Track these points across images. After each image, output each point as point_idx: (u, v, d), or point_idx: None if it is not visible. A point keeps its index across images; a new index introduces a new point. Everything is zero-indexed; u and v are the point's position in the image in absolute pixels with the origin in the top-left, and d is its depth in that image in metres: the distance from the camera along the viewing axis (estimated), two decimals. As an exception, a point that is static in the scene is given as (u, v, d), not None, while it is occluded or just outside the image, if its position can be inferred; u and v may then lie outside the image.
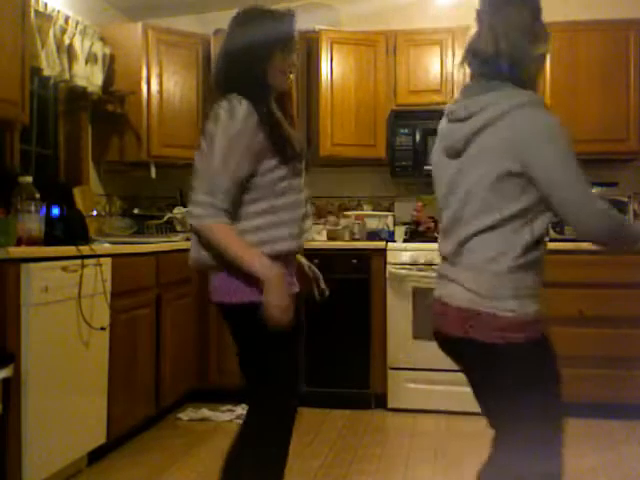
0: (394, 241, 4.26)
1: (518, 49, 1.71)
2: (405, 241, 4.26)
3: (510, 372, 1.68)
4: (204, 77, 4.45)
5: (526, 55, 1.73)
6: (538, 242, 1.72)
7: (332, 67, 4.39)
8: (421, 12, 4.62)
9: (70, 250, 2.83)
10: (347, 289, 4.03)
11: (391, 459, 3.27)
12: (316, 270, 2.22)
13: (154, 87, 4.24)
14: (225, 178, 1.87)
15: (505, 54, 1.69)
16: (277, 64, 1.97)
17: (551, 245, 4.15)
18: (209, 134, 1.94)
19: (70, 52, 3.80)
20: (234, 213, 1.87)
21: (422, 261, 3.98)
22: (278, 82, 1.99)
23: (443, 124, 1.79)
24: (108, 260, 3.12)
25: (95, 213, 4.08)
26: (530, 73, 1.77)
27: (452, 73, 4.31)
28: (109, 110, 4.19)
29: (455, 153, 1.71)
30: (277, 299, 1.81)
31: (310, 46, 4.48)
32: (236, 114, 1.86)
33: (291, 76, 2.05)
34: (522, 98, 1.65)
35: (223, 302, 1.94)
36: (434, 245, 4.09)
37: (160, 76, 4.27)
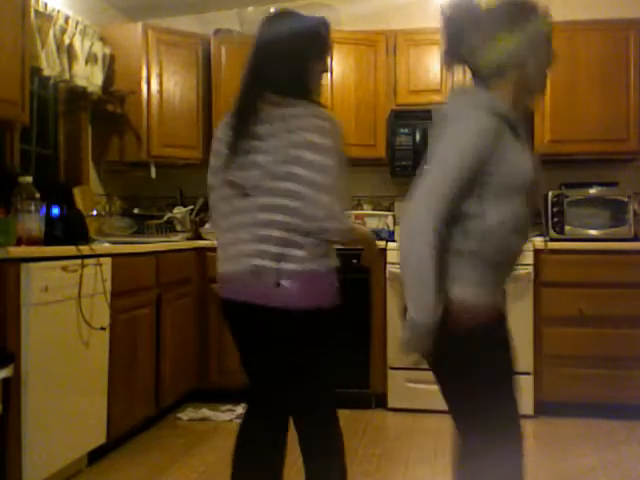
0: (394, 241, 4.26)
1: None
2: (405, 241, 4.25)
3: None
4: (204, 77, 4.45)
5: None
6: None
7: (332, 67, 4.39)
8: (421, 12, 4.62)
9: (70, 250, 2.83)
10: (347, 289, 4.02)
11: (391, 459, 3.27)
12: None
13: (154, 87, 4.24)
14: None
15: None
16: (318, 69, 2.01)
17: (551, 245, 4.18)
18: (326, 148, 1.89)
19: (70, 52, 3.80)
20: None
21: (422, 261, 3.98)
22: (316, 87, 2.02)
23: None
24: (108, 260, 3.12)
25: (95, 213, 4.08)
26: None
27: (452, 73, 4.30)
28: (109, 110, 4.19)
29: None
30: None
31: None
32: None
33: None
34: None
35: (296, 307, 1.92)
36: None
37: (160, 76, 4.27)
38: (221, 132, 2.05)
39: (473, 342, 1.65)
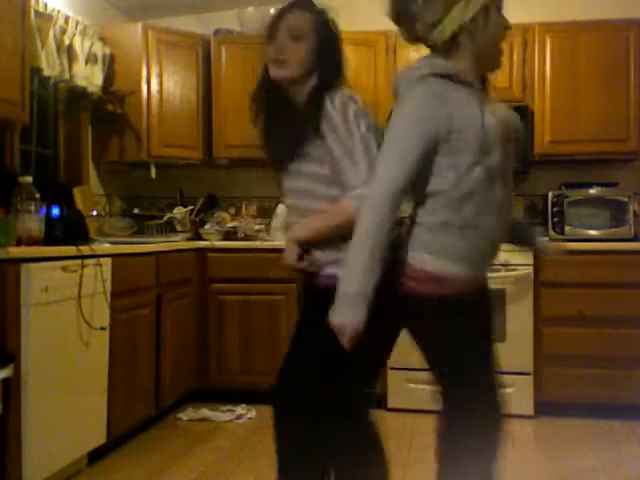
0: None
1: None
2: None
3: None
4: (204, 77, 4.45)
5: None
6: None
7: (332, 67, 4.38)
8: (421, 12, 4.62)
9: (70, 250, 2.82)
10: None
11: (391, 459, 3.27)
12: None
13: (154, 87, 4.24)
14: None
15: None
16: None
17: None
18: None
19: (70, 52, 3.80)
20: None
21: (422, 261, 3.98)
22: None
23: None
24: (108, 260, 3.12)
25: (95, 213, 4.08)
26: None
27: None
28: (109, 110, 4.19)
29: None
30: None
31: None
32: None
33: None
34: None
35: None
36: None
37: (160, 76, 4.27)
38: None
39: (427, 310, 1.73)
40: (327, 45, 1.96)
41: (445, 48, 1.73)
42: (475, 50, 1.73)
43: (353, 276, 1.65)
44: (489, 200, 1.71)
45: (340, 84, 1.94)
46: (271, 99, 2.01)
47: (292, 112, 1.97)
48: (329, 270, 1.90)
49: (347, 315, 1.65)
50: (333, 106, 1.85)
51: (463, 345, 1.76)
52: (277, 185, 2.09)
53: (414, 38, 1.79)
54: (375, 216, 1.65)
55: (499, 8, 1.75)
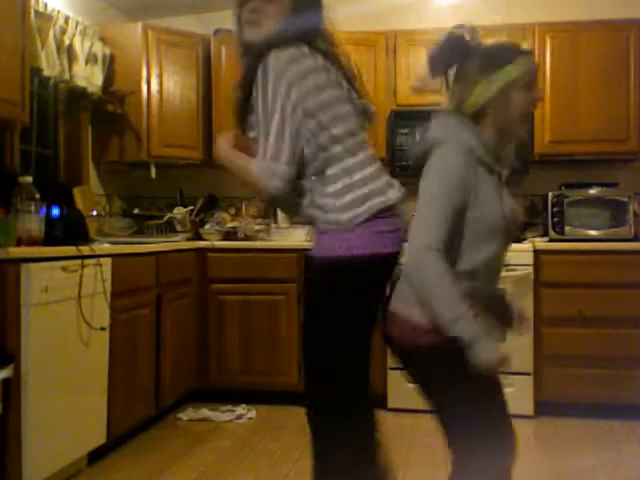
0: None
1: None
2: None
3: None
4: (204, 77, 4.45)
5: None
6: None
7: (332, 67, 4.38)
8: (421, 12, 4.62)
9: (70, 250, 2.83)
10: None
11: (391, 459, 3.27)
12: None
13: (154, 87, 4.24)
14: None
15: None
16: None
17: (551, 245, 4.18)
18: None
19: (70, 52, 3.80)
20: None
21: (422, 261, 3.98)
22: None
23: None
24: (108, 260, 3.12)
25: (95, 213, 4.08)
26: None
27: (452, 73, 4.30)
28: (109, 110, 4.19)
29: None
30: None
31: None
32: None
33: None
34: None
35: None
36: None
37: (160, 76, 4.27)
38: None
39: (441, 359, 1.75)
40: (300, 7, 1.91)
41: (473, 116, 1.78)
42: (498, 123, 1.77)
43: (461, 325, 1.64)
44: (492, 268, 1.79)
45: (305, 40, 1.86)
46: (243, 60, 1.97)
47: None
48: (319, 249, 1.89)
49: (488, 353, 1.68)
50: (274, 65, 1.78)
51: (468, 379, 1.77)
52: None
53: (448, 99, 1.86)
54: (435, 277, 1.65)
55: (529, 84, 1.76)
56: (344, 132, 1.86)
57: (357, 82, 1.98)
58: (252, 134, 1.90)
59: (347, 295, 1.88)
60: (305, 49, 1.83)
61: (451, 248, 1.69)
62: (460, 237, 1.71)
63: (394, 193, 1.90)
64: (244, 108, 1.90)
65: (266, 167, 1.79)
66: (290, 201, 1.90)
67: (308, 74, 1.81)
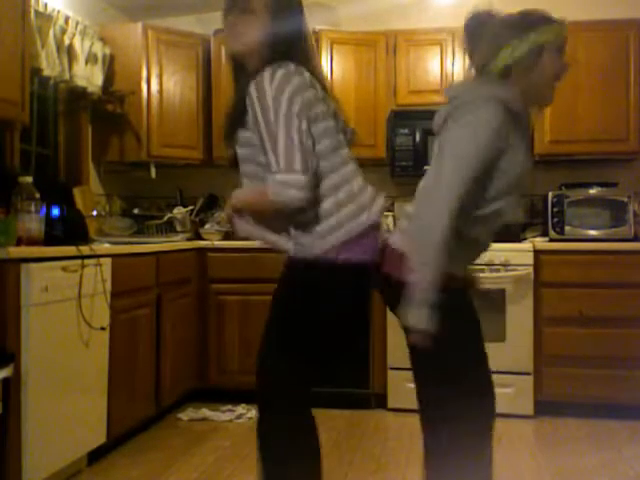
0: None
1: None
2: (405, 241, 4.27)
3: None
4: (204, 77, 4.45)
5: None
6: None
7: (332, 67, 4.39)
8: (421, 12, 4.62)
9: (70, 250, 2.83)
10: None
11: (391, 459, 3.27)
12: None
13: (154, 87, 4.24)
14: None
15: None
16: None
17: (551, 245, 4.18)
18: None
19: (70, 52, 3.80)
20: None
21: (422, 261, 3.98)
22: None
23: None
24: (108, 260, 3.12)
25: (95, 213, 4.08)
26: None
27: (452, 73, 4.31)
28: (109, 110, 4.19)
29: None
30: None
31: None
32: None
33: None
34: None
35: None
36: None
37: (160, 76, 4.27)
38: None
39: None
40: (279, 18, 1.91)
41: (499, 76, 1.80)
42: (525, 85, 1.80)
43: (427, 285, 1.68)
44: (493, 225, 1.84)
45: (291, 57, 1.87)
46: (234, 75, 2.01)
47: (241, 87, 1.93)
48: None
49: (424, 316, 1.69)
50: (270, 82, 1.79)
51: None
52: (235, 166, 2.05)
53: (472, 65, 1.87)
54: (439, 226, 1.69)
55: (560, 49, 1.81)
56: (330, 147, 1.89)
57: (334, 99, 2.01)
58: (242, 150, 1.92)
59: (320, 296, 1.90)
60: (293, 66, 1.85)
61: (470, 198, 1.72)
62: (483, 187, 1.75)
63: (376, 210, 1.93)
64: (234, 125, 1.91)
65: (281, 179, 1.77)
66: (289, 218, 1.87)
67: (303, 89, 1.83)
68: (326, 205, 1.85)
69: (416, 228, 1.74)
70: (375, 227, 1.92)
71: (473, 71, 1.87)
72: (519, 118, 1.77)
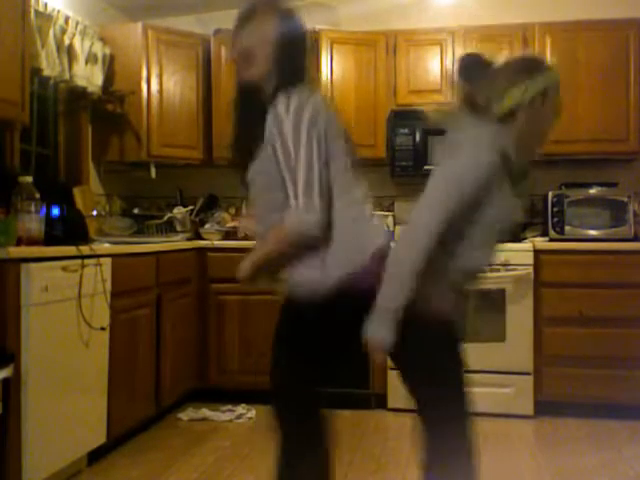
0: (394, 241, 4.26)
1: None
2: (405, 241, 4.27)
3: None
4: (204, 77, 4.45)
5: None
6: None
7: (332, 67, 4.39)
8: (421, 12, 4.62)
9: (70, 250, 2.83)
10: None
11: (391, 459, 3.28)
12: None
13: (154, 87, 4.24)
14: None
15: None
16: None
17: (551, 245, 4.18)
18: None
19: (70, 52, 3.80)
20: None
21: (422, 261, 3.98)
22: None
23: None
24: (108, 260, 3.12)
25: (95, 213, 4.08)
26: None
27: (452, 73, 4.31)
28: (109, 110, 4.19)
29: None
30: None
31: (310, 46, 4.48)
32: None
33: None
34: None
35: None
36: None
37: (160, 76, 4.27)
38: None
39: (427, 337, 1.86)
40: (286, 47, 1.93)
41: (503, 118, 1.82)
42: (524, 129, 1.82)
43: (393, 294, 1.76)
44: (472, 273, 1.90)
45: (301, 83, 1.88)
46: (243, 99, 2.00)
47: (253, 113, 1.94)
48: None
49: (382, 330, 1.77)
50: (287, 109, 1.79)
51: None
52: (245, 189, 2.05)
53: (470, 103, 1.88)
54: (416, 248, 1.77)
55: (557, 96, 1.84)
56: (341, 169, 1.90)
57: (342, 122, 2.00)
58: (258, 178, 1.90)
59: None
60: (307, 90, 1.86)
61: (448, 243, 1.76)
62: (461, 235, 1.78)
63: (379, 240, 1.96)
64: (247, 155, 1.91)
65: (299, 218, 1.78)
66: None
67: (319, 113, 1.82)
68: (335, 231, 1.86)
69: (390, 259, 1.82)
70: (382, 250, 1.93)
71: (463, 106, 1.89)
72: (510, 165, 1.80)
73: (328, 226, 1.84)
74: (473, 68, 1.89)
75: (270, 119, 1.81)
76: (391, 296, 1.75)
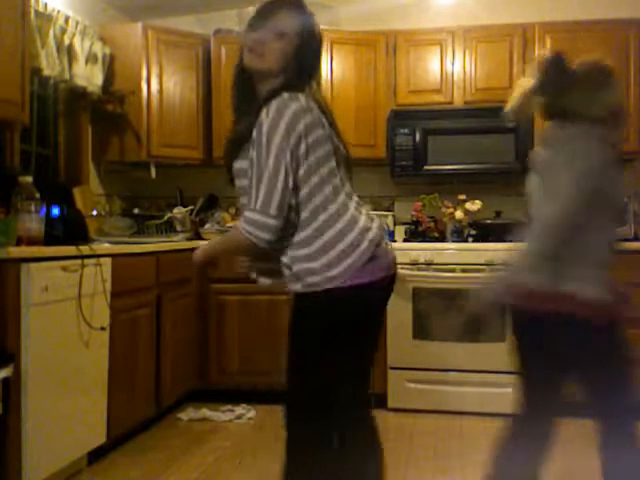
0: (394, 241, 4.26)
1: None
2: (405, 241, 4.27)
3: None
4: (204, 77, 4.45)
5: None
6: None
7: (332, 67, 4.39)
8: (421, 12, 4.62)
9: (70, 250, 2.83)
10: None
11: (391, 459, 3.27)
12: None
13: (154, 87, 4.24)
14: None
15: None
16: None
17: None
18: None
19: (70, 52, 3.80)
20: None
21: (422, 261, 3.98)
22: None
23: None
24: (108, 260, 3.12)
25: (95, 213, 4.08)
26: None
27: (452, 73, 4.31)
28: (109, 110, 4.19)
29: None
30: None
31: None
32: None
33: None
34: None
35: None
36: (434, 245, 4.11)
37: (160, 76, 4.27)
38: None
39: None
40: (305, 49, 1.93)
41: (598, 122, 2.03)
42: (612, 126, 2.13)
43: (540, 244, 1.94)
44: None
45: (298, 88, 1.88)
46: (241, 90, 2.01)
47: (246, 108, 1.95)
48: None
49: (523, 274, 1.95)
50: (267, 112, 1.80)
51: None
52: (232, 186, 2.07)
53: (552, 110, 2.10)
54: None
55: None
56: (325, 175, 1.89)
57: (334, 122, 1.99)
58: (241, 182, 1.95)
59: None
60: (302, 97, 1.85)
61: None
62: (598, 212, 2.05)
63: (375, 231, 1.93)
64: (233, 154, 1.94)
65: (255, 220, 1.81)
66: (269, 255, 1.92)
67: (299, 120, 1.81)
68: (326, 237, 1.85)
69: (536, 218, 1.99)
70: (378, 245, 1.91)
71: (551, 115, 2.09)
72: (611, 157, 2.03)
73: (317, 229, 1.85)
74: (556, 71, 2.04)
75: (257, 122, 1.82)
76: (539, 246, 1.90)
